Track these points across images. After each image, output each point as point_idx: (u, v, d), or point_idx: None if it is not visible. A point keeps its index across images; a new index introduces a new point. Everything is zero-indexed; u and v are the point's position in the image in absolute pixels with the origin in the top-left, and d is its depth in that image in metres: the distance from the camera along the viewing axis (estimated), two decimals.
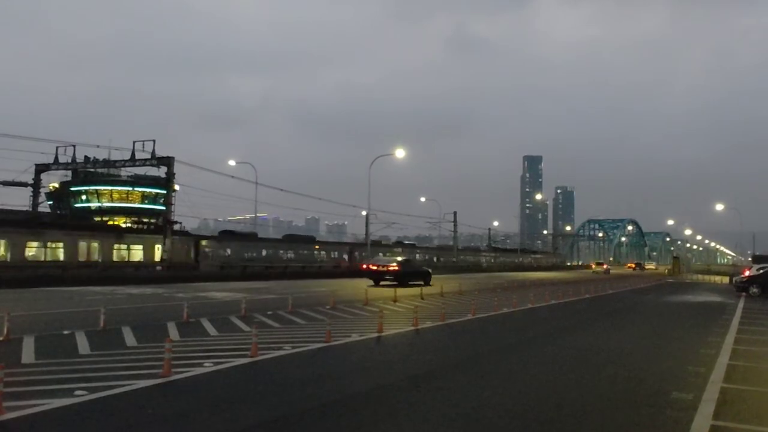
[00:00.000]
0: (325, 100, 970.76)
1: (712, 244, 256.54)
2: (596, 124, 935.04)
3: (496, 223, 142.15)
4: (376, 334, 13.19)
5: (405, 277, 34.29)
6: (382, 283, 33.65)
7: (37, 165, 50.11)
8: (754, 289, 31.82)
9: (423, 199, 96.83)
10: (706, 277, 67.95)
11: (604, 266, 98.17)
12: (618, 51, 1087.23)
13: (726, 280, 55.83)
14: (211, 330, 13.30)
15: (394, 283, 32.10)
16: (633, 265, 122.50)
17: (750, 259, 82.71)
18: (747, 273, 38.53)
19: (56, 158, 49.44)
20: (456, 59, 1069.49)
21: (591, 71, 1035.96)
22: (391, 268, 34.37)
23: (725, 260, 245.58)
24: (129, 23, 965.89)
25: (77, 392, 7.24)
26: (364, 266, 39.69)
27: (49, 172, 52.02)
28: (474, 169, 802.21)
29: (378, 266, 35.46)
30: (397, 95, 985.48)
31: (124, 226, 57.41)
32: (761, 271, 34.73)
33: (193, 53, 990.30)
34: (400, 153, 57.40)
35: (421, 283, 33.38)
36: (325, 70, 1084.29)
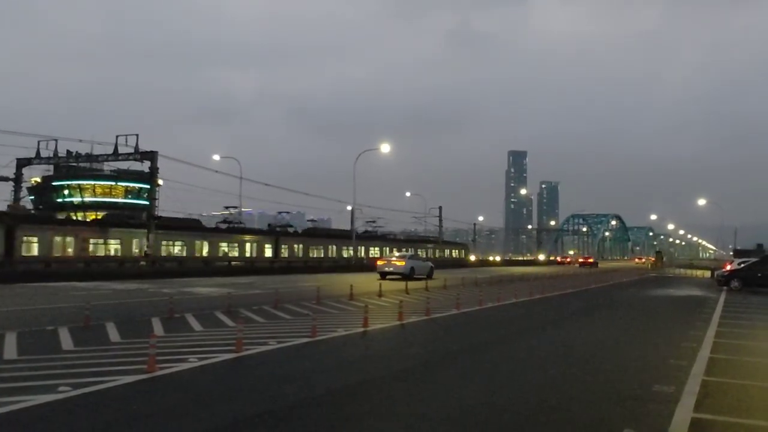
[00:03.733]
0: (321, 94, 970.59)
1: (695, 238, 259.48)
2: (587, 118, 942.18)
3: (481, 218, 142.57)
4: (361, 329, 13.20)
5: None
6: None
7: (18, 159, 49.45)
8: (735, 283, 32.25)
9: (408, 194, 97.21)
10: (689, 272, 68.68)
11: (643, 260, 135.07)
12: (612, 46, 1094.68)
13: (708, 274, 56.46)
14: (196, 325, 13.25)
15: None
16: (653, 259, 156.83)
17: (731, 253, 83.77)
18: (728, 267, 39.06)
19: (38, 152, 48.82)
20: (452, 55, 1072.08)
21: (585, 66, 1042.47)
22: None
23: (707, 255, 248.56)
24: (121, 15, 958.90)
25: (61, 388, 7.19)
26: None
27: (31, 166, 51.32)
28: (464, 164, 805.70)
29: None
30: (393, 90, 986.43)
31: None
32: (742, 266, 35.22)
33: (186, 46, 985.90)
34: (385, 148, 57.45)
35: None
36: (321, 64, 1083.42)
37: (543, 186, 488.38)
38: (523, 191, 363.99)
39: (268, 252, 58.71)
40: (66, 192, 63.47)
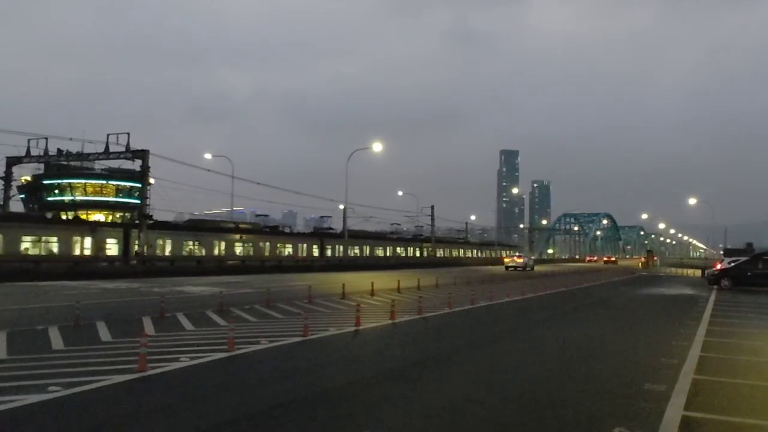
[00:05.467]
0: (316, 92, 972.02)
1: (686, 237, 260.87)
2: (580, 118, 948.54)
3: (473, 217, 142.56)
4: (353, 328, 13.19)
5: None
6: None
7: (8, 158, 49.09)
8: (725, 282, 32.37)
9: (400, 193, 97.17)
10: (679, 271, 68.94)
11: (644, 258, 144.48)
12: (606, 45, 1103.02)
13: (698, 273, 56.70)
14: (187, 325, 13.21)
15: None
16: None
17: (722, 252, 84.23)
18: (719, 266, 39.23)
19: (28, 151, 48.54)
20: (448, 53, 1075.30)
21: (579, 65, 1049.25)
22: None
23: (698, 254, 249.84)
24: (116, 12, 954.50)
25: (51, 388, 7.15)
26: None
27: (21, 164, 50.97)
28: (457, 163, 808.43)
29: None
30: (388, 89, 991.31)
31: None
32: (732, 265, 35.40)
33: (182, 44, 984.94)
34: (377, 147, 57.31)
35: None
36: (317, 62, 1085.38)
37: (535, 185, 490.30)
38: (515, 190, 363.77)
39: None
40: (56, 191, 63.02)
